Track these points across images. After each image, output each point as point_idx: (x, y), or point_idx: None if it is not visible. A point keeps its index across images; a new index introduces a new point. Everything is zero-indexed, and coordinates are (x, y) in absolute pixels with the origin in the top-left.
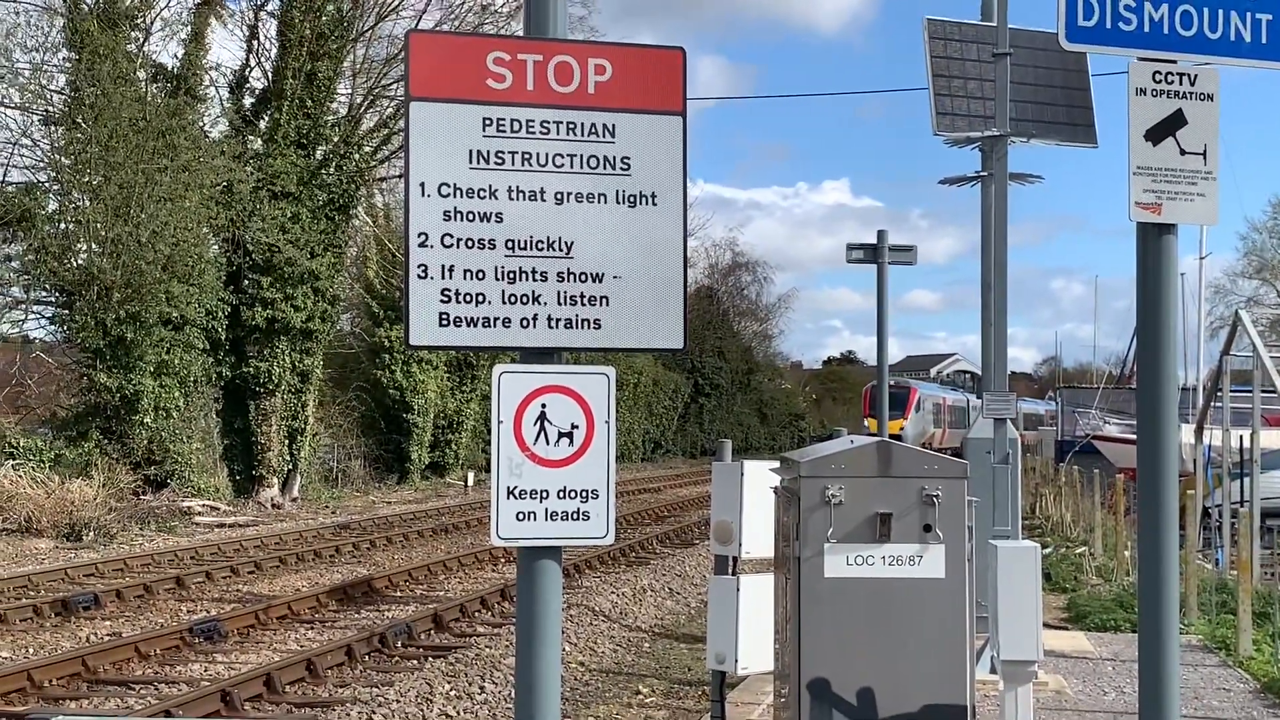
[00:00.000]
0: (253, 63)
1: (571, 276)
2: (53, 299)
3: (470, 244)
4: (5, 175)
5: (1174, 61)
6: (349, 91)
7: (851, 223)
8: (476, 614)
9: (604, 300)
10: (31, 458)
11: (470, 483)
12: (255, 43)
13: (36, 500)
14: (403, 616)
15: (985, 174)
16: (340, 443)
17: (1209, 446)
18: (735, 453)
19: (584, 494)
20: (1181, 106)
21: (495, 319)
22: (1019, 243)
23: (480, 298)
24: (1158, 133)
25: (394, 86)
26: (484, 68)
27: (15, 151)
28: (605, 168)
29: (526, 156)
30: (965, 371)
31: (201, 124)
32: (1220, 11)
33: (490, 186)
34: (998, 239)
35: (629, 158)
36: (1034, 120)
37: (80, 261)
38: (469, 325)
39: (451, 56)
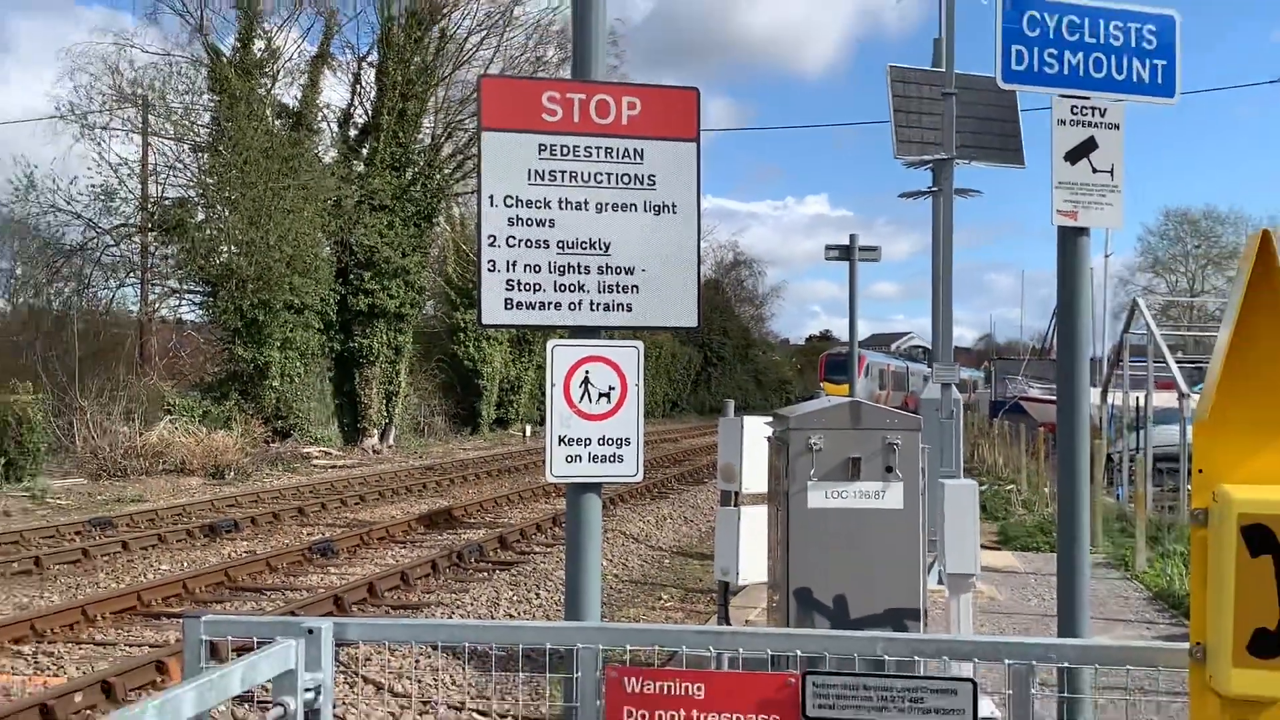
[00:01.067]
0: (356, 102)
1: (609, 270)
2: (200, 289)
3: (529, 244)
4: (163, 192)
5: (1088, 98)
6: (432, 125)
7: (829, 229)
8: (533, 536)
9: (635, 289)
10: (185, 414)
11: (527, 434)
12: (358, 87)
13: (189, 447)
14: (475, 538)
15: (935, 189)
16: (425, 402)
17: (1112, 405)
18: (736, 410)
19: (619, 442)
20: (1093, 134)
21: (549, 303)
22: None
23: (537, 286)
24: (1075, 155)
25: (467, 121)
26: (539, 104)
27: (171, 174)
28: (635, 184)
29: (573, 175)
30: (919, 346)
31: (316, 151)
32: (1125, 58)
33: (545, 199)
34: (945, 241)
35: (654, 175)
36: (974, 146)
37: (222, 260)
38: (528, 308)
39: (514, 96)
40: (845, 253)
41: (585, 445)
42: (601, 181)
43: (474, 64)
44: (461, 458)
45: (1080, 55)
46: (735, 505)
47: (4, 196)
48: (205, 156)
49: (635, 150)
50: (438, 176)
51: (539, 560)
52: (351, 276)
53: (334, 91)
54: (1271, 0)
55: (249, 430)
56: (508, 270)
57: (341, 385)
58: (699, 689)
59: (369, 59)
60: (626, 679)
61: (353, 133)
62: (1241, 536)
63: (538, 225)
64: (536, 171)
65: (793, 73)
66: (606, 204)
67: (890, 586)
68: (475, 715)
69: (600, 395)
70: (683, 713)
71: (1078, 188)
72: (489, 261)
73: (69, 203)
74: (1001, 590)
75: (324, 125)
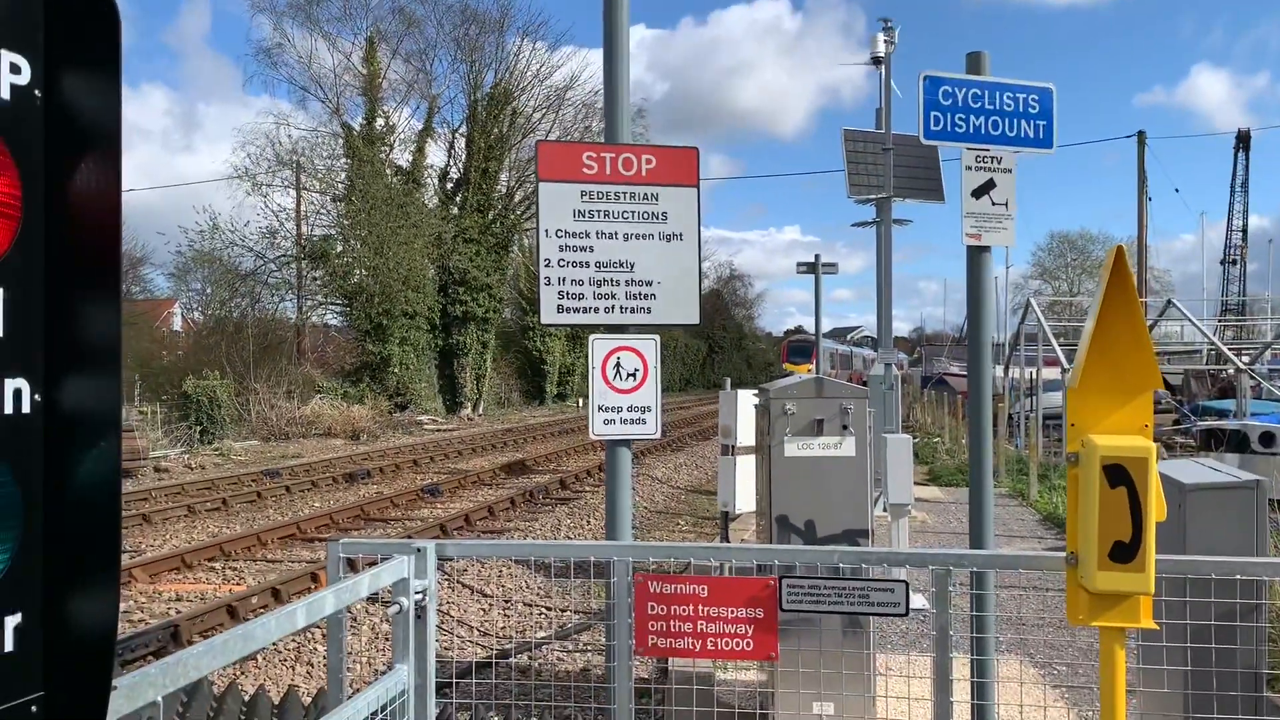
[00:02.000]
0: (451, 163)
1: (633, 283)
2: (340, 302)
3: (574, 265)
4: (312, 231)
5: (988, 149)
6: (507, 178)
7: (801, 250)
8: (585, 480)
9: (652, 296)
10: (330, 393)
11: (580, 406)
12: (452, 151)
13: (334, 417)
14: (542, 481)
15: (878, 220)
16: (505, 382)
17: (1012, 378)
18: (732, 385)
19: (642, 409)
20: (992, 176)
21: (589, 307)
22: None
23: (580, 295)
24: (978, 192)
25: (532, 175)
26: (581, 161)
27: (317, 218)
28: (652, 219)
29: (606, 213)
30: (868, 336)
31: (423, 199)
32: (1015, 120)
33: (585, 231)
34: (886, 258)
35: (666, 213)
36: (907, 187)
37: (355, 280)
38: (574, 311)
39: (562, 155)
40: (811, 268)
41: (618, 412)
42: (627, 217)
43: (537, 133)
44: (532, 423)
45: (982, 118)
46: (732, 455)
47: (195, 237)
48: (342, 204)
49: (651, 194)
50: (511, 216)
51: (589, 497)
52: (450, 291)
53: (435, 155)
54: (1133, 71)
55: (377, 404)
56: (559, 284)
57: (444, 370)
58: (703, 590)
59: (460, 131)
60: (650, 583)
61: (449, 185)
62: (1103, 473)
63: (581, 250)
64: (579, 211)
65: (773, 134)
66: (631, 234)
67: (845, 513)
68: (543, 609)
69: (628, 375)
70: (691, 608)
71: (980, 217)
72: (545, 278)
73: (243, 240)
74: (930, 515)
75: (428, 180)
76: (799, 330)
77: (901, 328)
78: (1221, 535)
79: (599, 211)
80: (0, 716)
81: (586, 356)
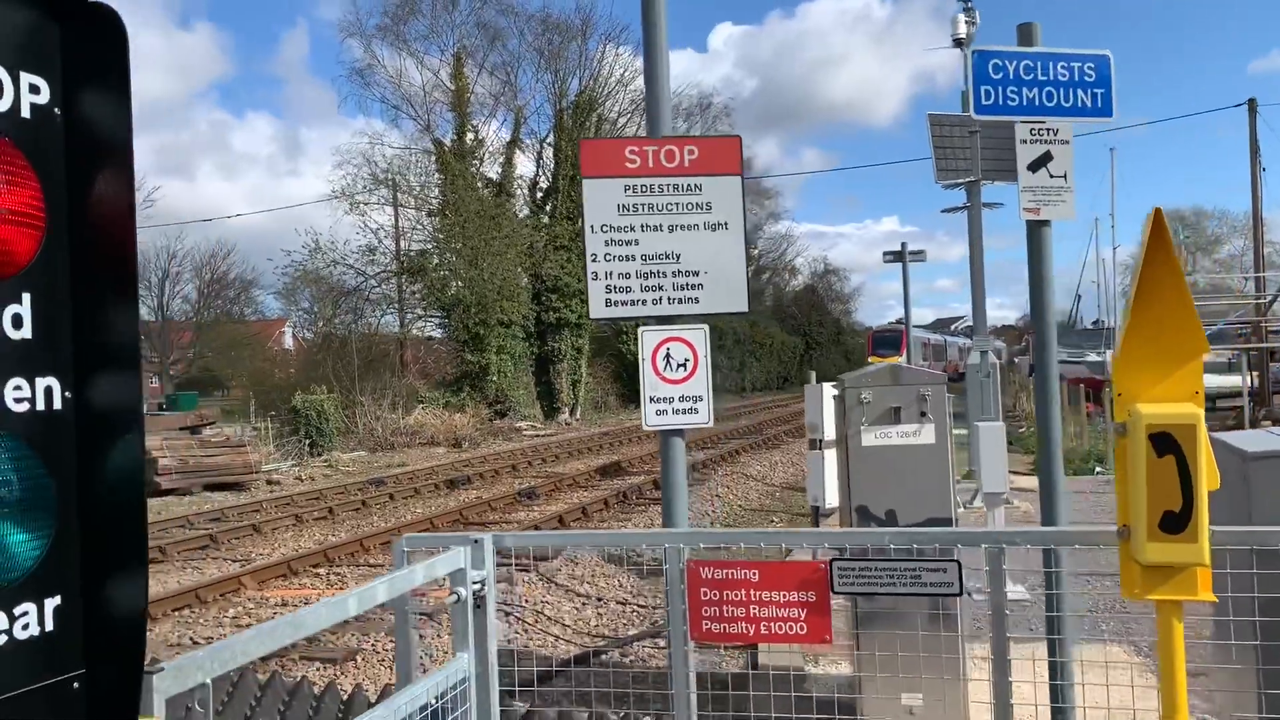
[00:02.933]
0: (540, 172)
1: (680, 273)
2: (438, 314)
3: (621, 259)
4: (409, 246)
5: (1043, 122)
6: None
7: (899, 241)
8: None
9: (700, 286)
10: (432, 402)
11: None
12: (541, 161)
13: (436, 425)
14: (636, 482)
15: (968, 205)
16: (601, 386)
17: None
18: (820, 380)
19: (694, 399)
20: (1049, 148)
21: (637, 300)
22: (1002, 245)
23: (628, 289)
24: (1034, 165)
25: None
26: (623, 156)
27: (413, 233)
28: (696, 209)
29: (650, 205)
30: (972, 326)
31: (514, 210)
32: (1070, 89)
33: (630, 224)
34: (977, 243)
35: (710, 202)
36: (997, 169)
37: (452, 292)
38: (622, 304)
39: (605, 151)
40: (898, 256)
41: (669, 403)
42: (672, 209)
43: (623, 138)
44: (629, 425)
45: (1035, 90)
46: (820, 450)
47: (299, 257)
48: (437, 219)
49: (695, 184)
50: None
51: None
52: (543, 298)
53: (524, 165)
54: (1247, 37)
55: (477, 412)
56: (606, 278)
57: (541, 376)
58: (754, 574)
59: (547, 140)
60: (702, 569)
61: (539, 194)
62: (1150, 442)
63: (626, 244)
64: (623, 205)
65: (867, 124)
66: (676, 225)
67: (927, 502)
68: (636, 607)
69: (679, 365)
70: (743, 592)
71: (1038, 190)
72: (593, 273)
73: (343, 258)
74: (1034, 505)
75: (518, 190)
76: (898, 323)
77: (1008, 315)
78: None
79: (643, 205)
80: (45, 693)
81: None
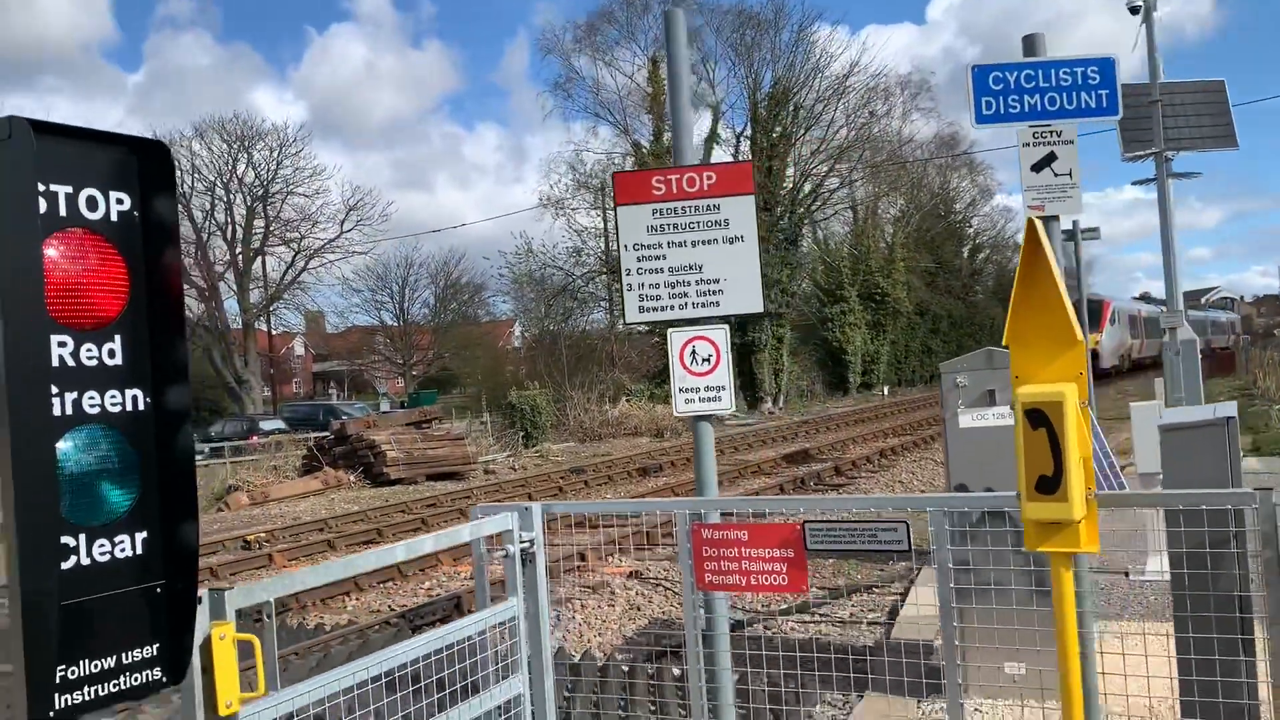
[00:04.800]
0: None
1: (702, 282)
2: None
3: (651, 271)
4: (616, 245)
5: (1048, 125)
6: (792, 174)
7: (1145, 209)
8: (863, 466)
9: (720, 292)
10: (637, 395)
11: (885, 393)
12: (738, 153)
13: (639, 417)
14: (819, 469)
15: (1155, 178)
16: (806, 374)
17: None
18: None
19: (717, 388)
20: (1053, 149)
21: (665, 306)
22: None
23: (657, 297)
24: (1038, 166)
25: (817, 168)
26: (650, 185)
27: (617, 233)
28: (715, 226)
29: (675, 225)
30: (1226, 298)
31: None
32: (1075, 93)
33: (658, 242)
34: (1167, 215)
35: (727, 219)
36: (1189, 136)
37: None
38: (653, 310)
39: (634, 182)
40: (1069, 236)
41: (695, 392)
42: (693, 226)
43: (820, 124)
44: (831, 414)
45: (1037, 96)
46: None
47: (514, 260)
48: None
49: (714, 205)
50: (799, 211)
51: (862, 481)
52: None
53: (721, 160)
54: None
55: None
56: (639, 289)
57: (742, 367)
58: (744, 534)
59: (744, 133)
60: (703, 530)
61: None
62: (1025, 416)
63: (655, 259)
64: (651, 226)
65: None
66: (698, 240)
67: None
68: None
69: (703, 360)
70: (737, 550)
71: (1042, 189)
72: (628, 285)
73: (553, 260)
74: None
75: None
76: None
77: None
78: (1199, 470)
79: (669, 225)
80: (140, 593)
81: (894, 343)
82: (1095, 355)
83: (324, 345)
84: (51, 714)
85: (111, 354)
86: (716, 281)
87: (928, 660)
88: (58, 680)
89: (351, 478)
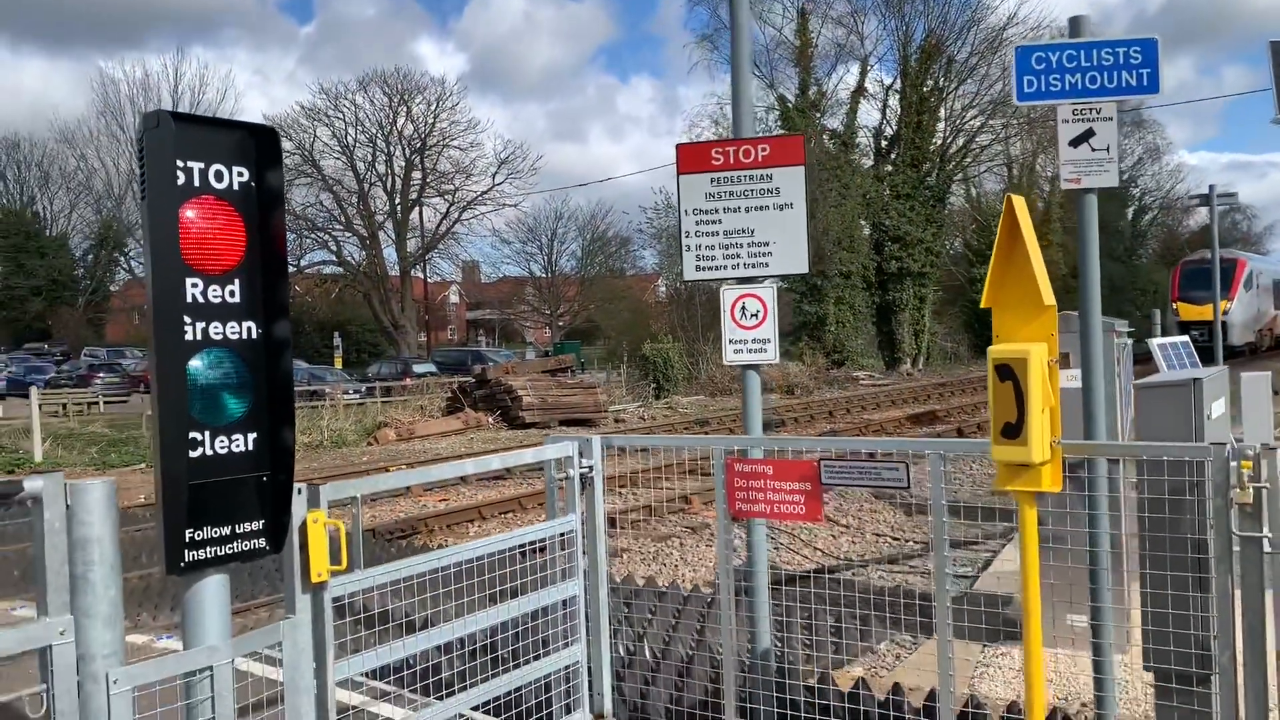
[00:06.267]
0: (885, 121)
1: (754, 244)
2: None
3: (708, 234)
4: None
5: (1089, 103)
6: (943, 129)
7: None
8: (987, 429)
9: (770, 254)
10: None
11: None
12: (886, 108)
13: (770, 372)
14: (939, 430)
15: None
16: (954, 337)
17: None
18: None
19: (763, 341)
20: (1091, 125)
21: (720, 266)
22: None
23: (713, 257)
24: (1076, 142)
25: (968, 124)
26: (710, 156)
27: None
28: (767, 194)
29: (731, 192)
30: None
31: (853, 159)
32: (1115, 72)
33: (715, 208)
34: None
35: (779, 188)
36: None
37: None
38: (708, 269)
39: (695, 153)
40: (1204, 200)
41: (745, 344)
42: (747, 193)
43: (974, 79)
44: (971, 377)
45: (1079, 75)
46: None
47: (652, 214)
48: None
49: (767, 175)
50: (947, 168)
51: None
52: (885, 248)
53: (868, 115)
54: None
55: (814, 361)
56: (697, 250)
57: (883, 327)
58: (769, 469)
59: (894, 87)
60: (736, 464)
61: (883, 143)
62: (995, 371)
63: (712, 224)
64: (709, 193)
65: None
66: (751, 206)
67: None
68: (890, 539)
69: (751, 315)
70: (763, 481)
71: (1079, 163)
72: (686, 246)
73: None
74: None
75: (861, 139)
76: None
77: None
78: (1168, 425)
79: (725, 192)
80: (251, 481)
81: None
82: (1222, 329)
83: (477, 294)
84: (182, 564)
85: (232, 294)
86: (766, 244)
87: (1005, 610)
88: (187, 540)
89: (490, 419)
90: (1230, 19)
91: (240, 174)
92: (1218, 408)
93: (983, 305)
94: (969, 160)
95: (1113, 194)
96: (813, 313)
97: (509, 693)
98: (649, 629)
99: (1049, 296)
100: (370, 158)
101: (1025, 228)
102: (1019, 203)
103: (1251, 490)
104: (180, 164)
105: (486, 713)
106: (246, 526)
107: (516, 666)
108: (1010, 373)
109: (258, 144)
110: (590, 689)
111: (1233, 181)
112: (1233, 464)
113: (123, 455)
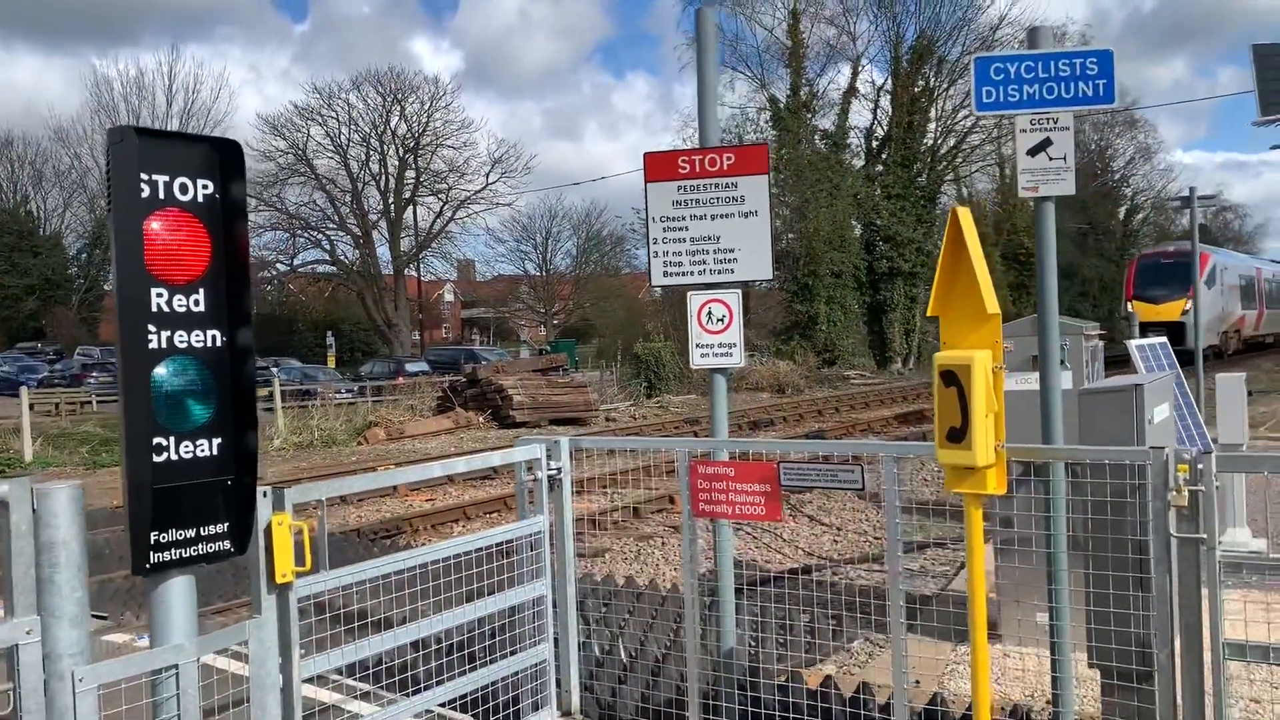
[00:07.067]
0: (876, 121)
1: (719, 251)
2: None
3: (674, 240)
4: None
5: (1045, 112)
6: (933, 129)
7: None
8: None
9: (735, 260)
10: (764, 351)
11: None
12: (877, 108)
13: (761, 373)
14: (925, 429)
15: None
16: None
17: None
18: None
19: (729, 346)
20: (1049, 135)
21: (686, 272)
22: None
23: (680, 263)
24: (1034, 150)
25: (961, 123)
26: (676, 164)
27: None
28: (732, 202)
29: (697, 200)
30: None
31: (844, 160)
32: (1072, 82)
33: (682, 215)
34: None
35: (744, 196)
36: None
37: (781, 245)
38: (675, 275)
39: (662, 161)
40: (1186, 202)
41: (710, 348)
42: (713, 202)
43: (965, 79)
44: None
45: (1036, 86)
46: None
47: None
48: (771, 175)
49: (731, 183)
50: (938, 168)
51: None
52: (875, 248)
53: (858, 115)
54: None
55: (805, 360)
56: (664, 256)
57: (873, 326)
58: (731, 470)
59: (884, 88)
60: (698, 466)
61: (874, 143)
62: (940, 377)
63: (679, 230)
64: (676, 200)
65: None
66: (716, 214)
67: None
68: (873, 538)
69: (717, 320)
70: (725, 483)
71: (1036, 171)
72: (654, 251)
73: None
74: None
75: (851, 140)
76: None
77: None
78: (1110, 430)
79: (692, 200)
80: (216, 484)
81: (1031, 306)
82: (1182, 330)
83: (472, 292)
84: (147, 565)
85: (196, 303)
86: (732, 251)
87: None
88: (152, 542)
89: (480, 419)
90: (1225, 19)
91: (205, 186)
92: (1160, 412)
93: (929, 314)
94: (960, 160)
95: (1105, 192)
96: (804, 312)
97: (478, 690)
98: (625, 628)
99: (993, 305)
100: (364, 157)
101: (970, 238)
102: (964, 214)
103: (1187, 493)
104: (145, 177)
105: (457, 710)
106: (211, 529)
107: (485, 664)
108: (955, 379)
109: (222, 157)
110: (559, 686)
111: (1227, 181)
112: (1170, 468)
113: (114, 455)
